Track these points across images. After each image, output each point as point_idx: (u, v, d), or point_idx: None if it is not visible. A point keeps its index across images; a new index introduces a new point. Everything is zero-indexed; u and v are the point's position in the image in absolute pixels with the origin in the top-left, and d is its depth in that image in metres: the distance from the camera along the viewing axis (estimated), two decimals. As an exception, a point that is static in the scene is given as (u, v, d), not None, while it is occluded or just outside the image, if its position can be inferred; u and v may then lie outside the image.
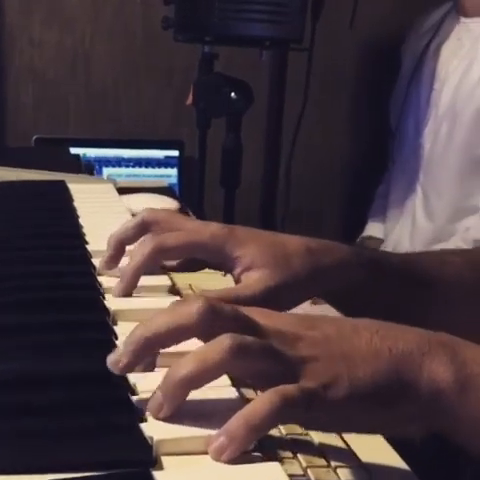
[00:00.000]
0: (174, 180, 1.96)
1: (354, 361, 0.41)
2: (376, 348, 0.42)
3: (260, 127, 1.83)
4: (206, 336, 0.40)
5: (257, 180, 1.87)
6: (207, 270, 0.59)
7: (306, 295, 0.56)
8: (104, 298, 0.56)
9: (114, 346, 0.45)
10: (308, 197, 2.00)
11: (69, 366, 0.45)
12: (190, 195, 1.95)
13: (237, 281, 0.55)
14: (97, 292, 0.56)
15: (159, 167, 1.95)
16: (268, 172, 1.77)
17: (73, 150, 1.60)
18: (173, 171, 1.96)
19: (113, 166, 1.93)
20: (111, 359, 0.41)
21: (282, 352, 0.41)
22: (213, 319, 0.41)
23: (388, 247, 1.58)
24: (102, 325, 0.51)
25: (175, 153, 1.95)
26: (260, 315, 0.43)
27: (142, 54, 1.89)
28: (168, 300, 0.47)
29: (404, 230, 1.55)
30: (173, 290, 0.59)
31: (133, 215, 1.07)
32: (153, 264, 0.56)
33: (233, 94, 1.36)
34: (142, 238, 0.57)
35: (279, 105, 1.46)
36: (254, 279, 0.53)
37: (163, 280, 0.59)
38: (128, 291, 0.55)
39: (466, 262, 0.63)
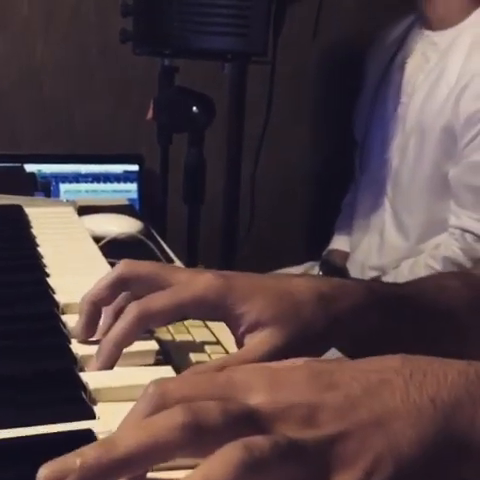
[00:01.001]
0: (134, 195, 1.91)
1: (393, 429, 0.33)
2: (416, 404, 0.34)
3: (221, 141, 1.80)
4: (197, 453, 0.32)
5: (220, 194, 1.83)
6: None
7: (319, 350, 0.48)
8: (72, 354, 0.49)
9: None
10: (272, 209, 1.97)
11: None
12: (151, 210, 1.91)
13: (240, 342, 0.48)
14: (63, 338, 0.51)
15: (118, 182, 1.90)
16: (230, 186, 1.73)
17: (28, 167, 1.55)
18: (133, 186, 1.91)
19: (70, 182, 1.87)
20: None
21: (302, 443, 0.32)
22: (202, 433, 0.32)
23: (356, 261, 1.56)
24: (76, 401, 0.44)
25: (134, 168, 1.90)
26: (261, 384, 0.35)
27: (98, 66, 1.83)
28: (156, 372, 0.42)
29: (373, 244, 1.53)
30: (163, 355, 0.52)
31: (96, 239, 1.02)
32: (138, 334, 0.48)
33: (195, 108, 1.32)
34: (120, 297, 0.50)
35: (240, 118, 1.42)
36: (260, 340, 0.46)
37: (149, 344, 0.51)
38: (108, 366, 0.48)
39: (463, 284, 0.59)
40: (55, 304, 0.57)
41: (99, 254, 0.77)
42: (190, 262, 1.56)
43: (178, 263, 1.07)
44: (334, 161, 1.97)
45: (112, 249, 0.97)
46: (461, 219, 1.39)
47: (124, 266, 0.51)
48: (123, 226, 1.10)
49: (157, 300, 0.47)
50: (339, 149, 1.91)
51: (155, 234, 1.19)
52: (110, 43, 1.75)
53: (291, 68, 1.84)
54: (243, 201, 1.82)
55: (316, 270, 1.64)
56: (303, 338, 0.47)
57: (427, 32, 1.46)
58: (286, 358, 0.44)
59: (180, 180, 1.48)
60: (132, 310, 0.47)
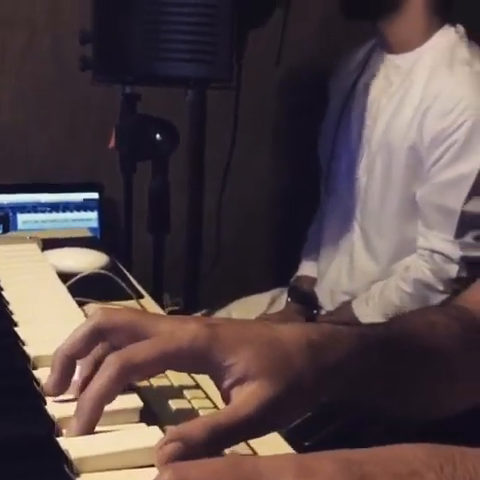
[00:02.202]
0: (94, 224, 1.86)
1: None
2: None
3: (183, 168, 1.77)
4: None
5: (184, 221, 1.80)
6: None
7: (310, 399, 0.47)
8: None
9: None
10: (238, 235, 1.95)
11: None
12: (113, 238, 1.87)
13: (226, 397, 0.46)
14: (37, 398, 0.47)
15: (78, 211, 1.85)
16: (194, 214, 1.70)
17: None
18: (93, 214, 1.86)
19: (29, 212, 1.82)
20: None
21: None
22: None
23: (325, 286, 1.54)
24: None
25: (94, 195, 1.86)
26: (290, 473, 0.33)
27: (55, 93, 1.79)
28: (143, 435, 0.39)
29: (342, 268, 1.51)
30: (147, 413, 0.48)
31: (60, 275, 0.98)
32: (120, 389, 0.44)
33: (158, 136, 1.29)
34: (97, 348, 0.47)
35: (201, 145, 1.40)
36: (250, 394, 0.44)
37: (132, 401, 0.47)
38: (89, 429, 0.43)
39: (451, 319, 0.58)
40: (26, 358, 0.53)
41: (69, 297, 0.73)
42: (156, 291, 1.53)
43: (148, 298, 1.03)
44: (299, 185, 1.95)
45: (79, 287, 0.93)
46: (429, 240, 1.38)
47: (101, 315, 0.47)
48: (88, 261, 1.06)
49: (140, 351, 0.44)
50: (303, 173, 1.90)
51: (121, 267, 1.15)
52: (68, 69, 1.71)
53: (254, 92, 1.83)
54: (208, 227, 1.79)
55: (284, 297, 1.62)
56: (293, 389, 0.45)
57: (389, 55, 1.46)
58: (275, 416, 0.43)
59: (142, 207, 1.45)
60: (112, 363, 0.43)
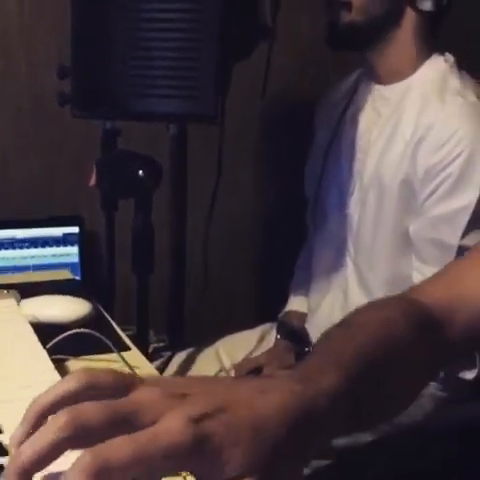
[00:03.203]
0: (75, 259, 1.81)
1: None
2: None
3: (166, 201, 1.73)
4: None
5: (168, 257, 1.75)
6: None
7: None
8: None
9: None
10: (223, 269, 1.90)
11: None
12: (94, 273, 1.81)
13: None
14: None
15: (58, 246, 1.80)
16: (177, 248, 1.65)
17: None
18: (73, 249, 1.81)
19: (6, 248, 1.76)
20: None
21: None
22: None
23: (316, 322, 1.49)
24: None
25: (74, 230, 1.80)
26: None
27: (33, 126, 1.74)
28: None
29: (335, 304, 1.45)
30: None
31: (43, 327, 0.93)
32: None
33: (140, 172, 1.24)
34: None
35: (184, 180, 1.36)
36: None
37: None
38: None
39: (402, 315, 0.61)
40: (3, 450, 0.47)
41: (50, 365, 0.68)
42: (140, 330, 1.47)
43: (134, 349, 0.98)
44: (283, 218, 1.92)
45: (60, 341, 0.88)
46: (425, 275, 1.31)
47: (77, 379, 0.43)
48: (70, 310, 1.01)
49: (118, 449, 0.39)
50: (288, 206, 1.86)
51: (104, 313, 1.10)
52: (46, 101, 1.67)
53: (236, 125, 1.80)
54: (192, 261, 1.75)
55: (274, 333, 1.57)
56: (288, 466, 0.46)
57: (377, 86, 1.41)
58: None
59: (123, 242, 1.40)
60: (82, 464, 0.38)
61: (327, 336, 0.59)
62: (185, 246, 1.77)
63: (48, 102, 1.58)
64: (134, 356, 0.93)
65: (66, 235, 1.80)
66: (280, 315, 1.60)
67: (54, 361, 0.80)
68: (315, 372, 0.51)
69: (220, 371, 1.49)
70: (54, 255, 1.79)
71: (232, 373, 1.49)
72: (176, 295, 1.78)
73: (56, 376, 0.67)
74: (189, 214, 1.76)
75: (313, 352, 0.58)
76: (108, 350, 0.90)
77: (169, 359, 1.47)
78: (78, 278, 1.76)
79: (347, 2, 1.31)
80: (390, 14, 1.32)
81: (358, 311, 0.62)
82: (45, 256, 1.78)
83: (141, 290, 1.36)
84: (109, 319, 1.06)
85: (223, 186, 1.48)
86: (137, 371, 0.86)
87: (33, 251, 1.77)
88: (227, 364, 1.51)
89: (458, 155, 1.26)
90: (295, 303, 1.57)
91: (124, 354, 0.91)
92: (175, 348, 1.55)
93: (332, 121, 1.48)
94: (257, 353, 1.53)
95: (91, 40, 1.14)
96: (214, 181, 1.40)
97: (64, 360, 0.83)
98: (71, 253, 1.80)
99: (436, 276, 0.69)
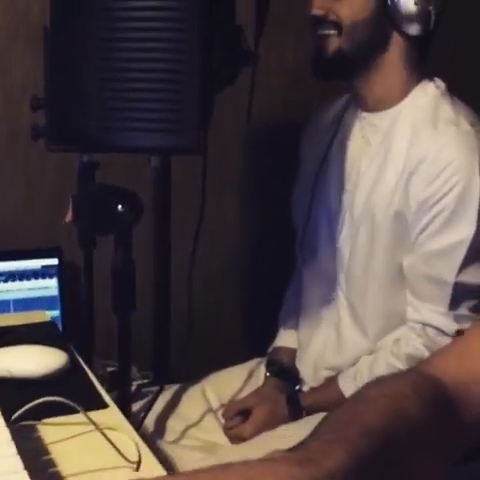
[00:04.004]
0: (54, 292, 1.74)
1: None
2: None
3: (149, 233, 1.67)
4: None
5: (150, 289, 1.69)
6: None
7: None
8: None
9: None
10: (209, 305, 1.84)
11: None
12: (74, 306, 1.74)
13: None
14: None
15: (36, 279, 1.73)
16: (160, 281, 1.59)
17: None
18: (52, 282, 1.73)
19: (-18, 283, 1.68)
20: None
21: None
22: None
23: (307, 360, 1.42)
24: None
25: (53, 261, 1.73)
26: None
27: (8, 156, 1.67)
28: None
29: (328, 342, 1.39)
30: None
31: (14, 382, 0.86)
32: None
33: (120, 207, 1.18)
34: None
35: (167, 212, 1.30)
36: None
37: None
38: None
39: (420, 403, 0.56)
40: None
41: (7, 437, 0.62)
42: (122, 369, 1.40)
43: (111, 405, 0.91)
44: (271, 248, 1.86)
45: (35, 391, 0.82)
46: (421, 312, 1.27)
47: None
48: (44, 363, 0.94)
49: None
50: (275, 236, 1.81)
51: (82, 365, 1.03)
52: (21, 130, 1.61)
53: (220, 151, 1.74)
54: (176, 294, 1.69)
55: (262, 369, 1.50)
56: None
57: (364, 113, 1.35)
58: None
59: (104, 274, 1.34)
60: None
61: (332, 413, 0.54)
62: (169, 279, 1.71)
63: (24, 132, 1.52)
64: (112, 414, 0.86)
65: (45, 267, 1.73)
66: (269, 350, 1.53)
67: (22, 427, 0.74)
68: (318, 452, 0.47)
69: (207, 412, 1.42)
70: (32, 289, 1.72)
71: (220, 414, 1.42)
72: (161, 330, 1.72)
73: (13, 449, 0.62)
74: (173, 246, 1.71)
75: (316, 430, 0.52)
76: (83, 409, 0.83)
77: (156, 396, 1.39)
78: (56, 316, 1.70)
79: (337, 24, 1.26)
80: (376, 39, 1.27)
81: (366, 386, 0.56)
82: (22, 290, 1.71)
83: (123, 329, 1.29)
84: (86, 370, 0.99)
85: (208, 217, 1.43)
86: (113, 433, 0.79)
87: (10, 285, 1.70)
88: (214, 404, 1.44)
89: (452, 187, 1.20)
90: (284, 338, 1.50)
91: (101, 412, 0.85)
92: (161, 383, 1.47)
93: (319, 149, 1.42)
94: (245, 391, 1.46)
95: (66, 71, 1.08)
96: (198, 212, 1.34)
97: (33, 426, 0.77)
98: (50, 286, 1.73)
99: (447, 349, 0.63)
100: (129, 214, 1.19)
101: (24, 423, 0.75)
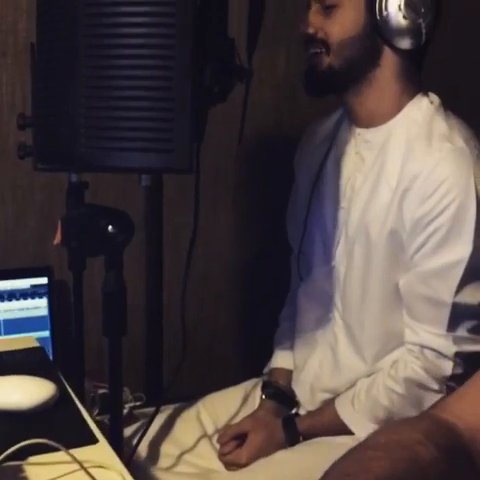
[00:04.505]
0: (44, 312, 1.70)
1: None
2: None
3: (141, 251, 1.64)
4: None
5: (142, 309, 1.65)
6: None
7: None
8: None
9: None
10: (203, 325, 1.80)
11: None
12: (65, 325, 1.70)
13: None
14: None
15: (25, 299, 1.69)
16: (153, 300, 1.56)
17: None
18: (42, 302, 1.69)
19: (-30, 303, 1.64)
20: None
21: None
22: None
23: (303, 381, 1.38)
24: None
25: (43, 280, 1.69)
26: None
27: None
28: None
29: (324, 363, 1.35)
30: None
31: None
32: None
33: (110, 227, 1.14)
34: None
35: (159, 231, 1.26)
36: None
37: None
38: None
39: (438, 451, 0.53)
40: None
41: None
42: (114, 393, 1.36)
43: (101, 440, 0.87)
44: (265, 267, 1.83)
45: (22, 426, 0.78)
46: (419, 334, 1.23)
47: None
48: (31, 395, 0.90)
49: None
50: (269, 254, 1.77)
51: (72, 396, 0.99)
52: (10, 147, 1.58)
53: (212, 168, 1.71)
54: (168, 313, 1.65)
55: (258, 391, 1.46)
56: None
57: (358, 129, 1.31)
58: None
59: (95, 292, 1.30)
60: None
61: (341, 461, 0.50)
62: (162, 298, 1.68)
63: (12, 150, 1.49)
64: (101, 450, 0.82)
65: (34, 287, 1.69)
66: (265, 371, 1.49)
67: (7, 468, 0.70)
68: None
69: (202, 436, 1.38)
70: (22, 309, 1.68)
71: (215, 439, 1.38)
72: (154, 350, 1.69)
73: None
74: (166, 265, 1.68)
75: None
76: (68, 445, 0.79)
77: (150, 421, 1.34)
78: (46, 336, 1.66)
79: (325, 42, 1.23)
80: (368, 55, 1.24)
81: (377, 432, 0.53)
82: (11, 310, 1.67)
83: (114, 353, 1.25)
84: (76, 402, 0.95)
85: (202, 235, 1.39)
86: (101, 471, 0.75)
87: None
88: (209, 428, 1.40)
89: (447, 206, 1.17)
90: (280, 359, 1.46)
91: (90, 448, 0.81)
92: (157, 405, 1.42)
93: (314, 165, 1.38)
94: (241, 414, 1.42)
95: (53, 88, 1.04)
96: (191, 231, 1.31)
97: (19, 466, 0.73)
98: (40, 306, 1.70)
99: (461, 393, 0.59)
100: (120, 235, 1.16)
101: (9, 464, 0.71)
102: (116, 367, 1.27)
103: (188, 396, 1.56)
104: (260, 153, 1.82)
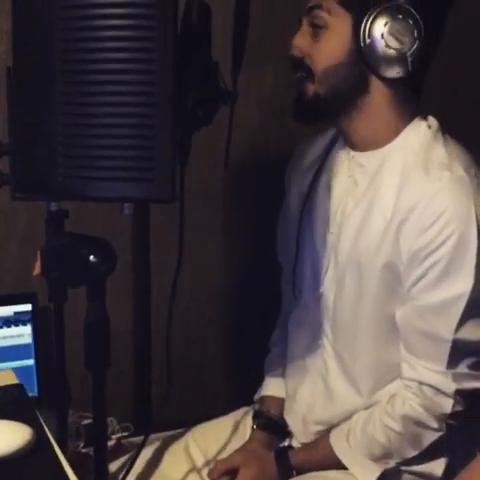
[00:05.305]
0: (28, 339, 1.65)
1: None
2: None
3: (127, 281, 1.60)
4: None
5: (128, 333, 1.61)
6: None
7: None
8: None
9: None
10: (190, 352, 1.76)
11: None
12: (48, 355, 1.66)
13: None
14: None
15: (8, 326, 1.64)
16: (139, 325, 1.51)
17: None
18: (26, 329, 1.65)
19: None
20: None
21: None
22: None
23: (296, 412, 1.33)
24: None
25: (27, 307, 1.64)
26: None
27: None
28: None
29: (316, 394, 1.30)
30: None
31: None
32: None
33: (92, 257, 1.10)
34: None
35: (146, 259, 1.22)
36: None
37: None
38: None
39: None
40: None
41: None
42: (98, 426, 1.31)
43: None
44: (254, 291, 1.78)
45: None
46: (417, 370, 1.18)
47: None
48: (6, 442, 0.86)
49: None
50: (259, 278, 1.73)
51: (50, 439, 0.94)
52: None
53: (198, 191, 1.68)
54: (157, 342, 1.61)
55: (249, 420, 1.41)
56: None
57: (353, 152, 1.26)
58: None
59: (76, 318, 1.26)
60: None
61: None
62: (149, 325, 1.64)
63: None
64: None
65: (17, 314, 1.65)
66: (255, 398, 1.44)
67: None
68: None
69: (191, 470, 1.33)
70: (4, 337, 1.63)
71: (204, 473, 1.33)
72: (141, 379, 1.64)
73: None
74: (153, 290, 1.64)
75: None
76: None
77: (136, 455, 1.29)
78: (30, 365, 1.62)
79: (309, 69, 1.19)
80: (354, 82, 1.18)
81: None
82: (-5, 339, 1.62)
83: (97, 387, 1.20)
84: (54, 447, 0.90)
85: (189, 259, 1.35)
86: None
87: (-19, 334, 1.61)
88: (198, 462, 1.35)
89: (447, 238, 1.11)
90: (271, 387, 1.41)
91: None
92: (146, 433, 1.37)
93: (304, 186, 1.34)
94: (231, 445, 1.37)
95: (29, 115, 1.00)
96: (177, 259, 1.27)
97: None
98: (23, 334, 1.65)
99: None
100: (102, 265, 1.11)
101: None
102: (100, 402, 1.22)
103: (177, 422, 1.52)
104: (248, 172, 1.79)
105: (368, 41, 1.14)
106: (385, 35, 1.13)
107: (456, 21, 1.24)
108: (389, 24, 1.12)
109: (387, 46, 1.13)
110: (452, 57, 1.61)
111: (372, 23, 1.13)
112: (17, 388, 1.09)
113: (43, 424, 0.96)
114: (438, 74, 1.25)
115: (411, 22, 1.13)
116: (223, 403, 1.59)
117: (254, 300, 1.80)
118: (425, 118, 1.22)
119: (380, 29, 1.13)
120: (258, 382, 1.49)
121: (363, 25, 1.14)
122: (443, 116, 1.25)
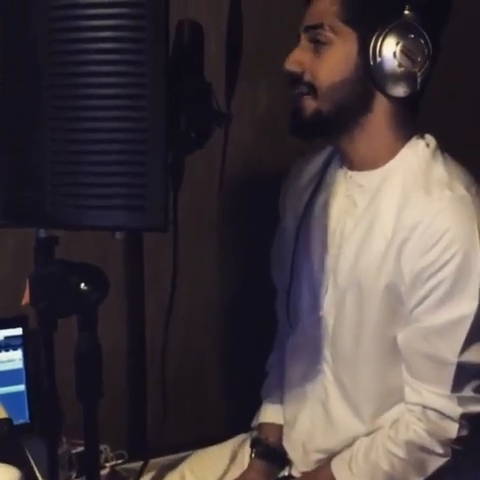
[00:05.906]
0: (19, 365, 1.61)
1: None
2: None
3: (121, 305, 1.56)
4: None
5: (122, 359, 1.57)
6: None
7: None
8: None
9: None
10: (185, 376, 1.72)
11: None
12: (40, 380, 1.62)
13: None
14: None
15: (-2, 352, 1.60)
16: (134, 353, 1.48)
17: None
18: (17, 354, 1.61)
19: None
20: None
21: None
22: None
23: (295, 440, 1.30)
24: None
25: (17, 331, 1.60)
26: None
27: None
28: None
29: (316, 421, 1.26)
30: None
31: None
32: None
33: (83, 285, 1.06)
34: None
35: (140, 287, 1.18)
36: None
37: None
38: None
39: None
40: None
41: None
42: (90, 457, 1.27)
43: None
44: (251, 312, 1.75)
45: None
46: (421, 394, 1.15)
47: None
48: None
49: None
50: (255, 299, 1.70)
51: (37, 475, 0.90)
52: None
53: (194, 206, 1.64)
54: (152, 367, 1.57)
55: (247, 448, 1.37)
56: None
57: (350, 172, 1.23)
58: None
59: (69, 341, 1.22)
60: None
61: None
62: (145, 347, 1.60)
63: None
64: None
65: (8, 338, 1.61)
66: (253, 424, 1.40)
67: None
68: None
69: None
70: (-6, 363, 1.59)
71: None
72: (136, 404, 1.60)
73: None
74: (147, 315, 1.60)
75: None
76: None
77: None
78: (21, 391, 1.58)
79: (311, 85, 1.16)
80: (359, 99, 1.15)
81: None
82: (-16, 365, 1.58)
83: (89, 419, 1.16)
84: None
85: (184, 276, 1.32)
86: None
87: (-30, 360, 1.57)
88: (195, 494, 1.31)
89: (451, 258, 1.09)
90: (269, 413, 1.37)
91: None
92: (144, 459, 1.33)
93: (299, 207, 1.30)
94: (229, 475, 1.34)
95: (17, 140, 0.97)
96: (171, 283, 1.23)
97: None
98: (14, 359, 1.61)
99: None
100: (94, 293, 1.08)
101: None
102: (92, 433, 1.18)
103: (174, 446, 1.48)
104: (242, 189, 1.76)
105: (379, 60, 1.11)
106: (398, 54, 1.10)
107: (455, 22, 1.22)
108: (401, 43, 1.10)
109: (399, 65, 1.11)
110: (450, 61, 1.59)
111: (383, 41, 1.11)
112: (5, 423, 1.05)
113: (32, 463, 0.92)
114: (437, 78, 1.22)
115: (422, 41, 1.11)
116: (221, 431, 1.55)
117: (250, 324, 1.77)
118: (422, 137, 1.20)
119: (392, 48, 1.11)
120: (255, 404, 1.45)
121: (372, 43, 1.11)
122: (441, 120, 1.22)
